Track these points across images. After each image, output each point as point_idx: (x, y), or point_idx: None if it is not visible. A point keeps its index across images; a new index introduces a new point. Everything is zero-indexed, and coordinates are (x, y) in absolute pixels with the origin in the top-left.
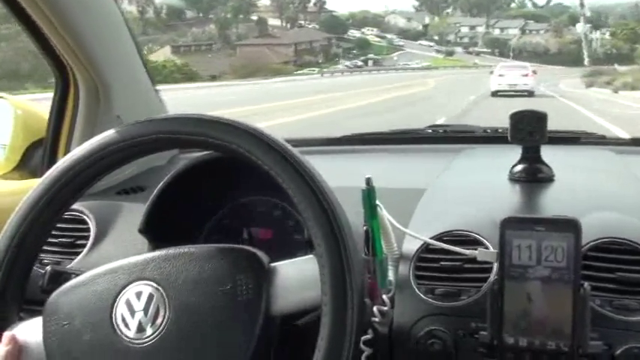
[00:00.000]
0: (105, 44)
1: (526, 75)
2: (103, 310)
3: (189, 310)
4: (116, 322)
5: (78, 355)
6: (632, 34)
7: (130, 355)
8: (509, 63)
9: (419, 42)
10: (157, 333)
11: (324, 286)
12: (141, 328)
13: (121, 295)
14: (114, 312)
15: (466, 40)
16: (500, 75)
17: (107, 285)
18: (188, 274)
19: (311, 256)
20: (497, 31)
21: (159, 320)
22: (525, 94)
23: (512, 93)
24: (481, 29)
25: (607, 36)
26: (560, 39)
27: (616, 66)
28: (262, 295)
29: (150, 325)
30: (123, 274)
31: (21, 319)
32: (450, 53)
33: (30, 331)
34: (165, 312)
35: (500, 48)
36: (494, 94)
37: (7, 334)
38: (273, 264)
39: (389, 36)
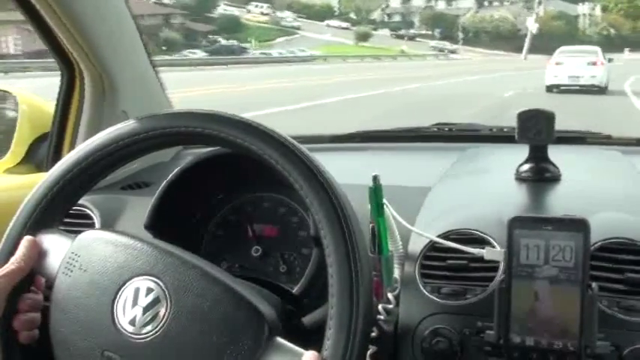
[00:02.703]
0: (111, 39)
1: (594, 63)
2: (113, 284)
3: (182, 336)
4: (117, 304)
5: (72, 314)
6: (632, 7)
7: (111, 339)
8: (570, 48)
9: (326, 22)
10: (142, 336)
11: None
12: (132, 322)
13: (135, 279)
14: (120, 292)
15: (397, 18)
16: (557, 63)
17: (131, 261)
18: (200, 304)
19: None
20: (442, 5)
21: (151, 326)
22: (595, 89)
23: (576, 88)
24: (419, 3)
25: (597, 11)
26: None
27: (627, 52)
28: None
29: (141, 325)
30: (147, 260)
31: None
32: (364, 37)
33: (57, 246)
34: (161, 322)
35: (447, 28)
36: (550, 89)
37: (27, 238)
38: (278, 339)
39: (282, 14)
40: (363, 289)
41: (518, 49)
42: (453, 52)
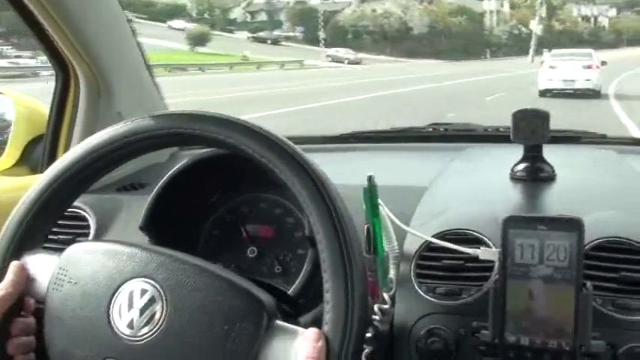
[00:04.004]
0: (106, 40)
1: (589, 67)
2: (106, 290)
3: (182, 332)
4: (112, 309)
5: (68, 326)
6: (545, 4)
7: (111, 345)
8: (562, 51)
9: (169, 23)
10: (142, 337)
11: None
12: (130, 325)
13: (127, 282)
14: (115, 298)
15: (262, 17)
16: (551, 67)
17: (121, 266)
18: (196, 298)
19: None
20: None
21: (150, 326)
22: (590, 93)
23: (570, 92)
24: None
25: (506, 8)
26: (430, 6)
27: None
28: (252, 351)
29: (140, 327)
30: (138, 263)
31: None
32: (200, 40)
33: (44, 265)
34: (158, 322)
35: (312, 27)
36: (543, 93)
37: (15, 263)
38: (278, 322)
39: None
40: (357, 287)
41: (410, 54)
42: (357, 62)
